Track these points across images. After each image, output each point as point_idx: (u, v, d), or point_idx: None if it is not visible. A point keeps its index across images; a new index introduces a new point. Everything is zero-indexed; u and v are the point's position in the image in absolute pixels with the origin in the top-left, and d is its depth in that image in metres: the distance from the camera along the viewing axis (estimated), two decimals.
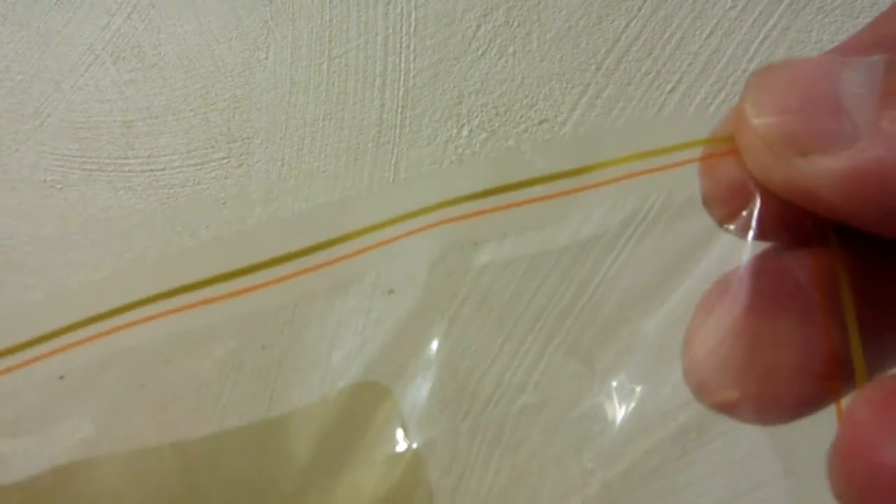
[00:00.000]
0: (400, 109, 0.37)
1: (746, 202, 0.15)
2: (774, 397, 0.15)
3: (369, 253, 0.15)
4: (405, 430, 0.21)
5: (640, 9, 0.36)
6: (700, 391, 0.16)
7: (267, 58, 0.37)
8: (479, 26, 0.36)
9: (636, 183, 0.15)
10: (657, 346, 0.17)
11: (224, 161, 0.37)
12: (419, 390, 0.23)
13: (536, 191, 0.15)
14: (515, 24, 0.36)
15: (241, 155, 0.37)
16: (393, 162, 0.36)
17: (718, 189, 0.15)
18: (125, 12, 0.38)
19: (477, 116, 0.36)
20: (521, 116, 0.36)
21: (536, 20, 0.36)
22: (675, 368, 0.16)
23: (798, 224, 0.15)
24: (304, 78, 0.37)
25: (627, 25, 0.36)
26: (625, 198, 0.15)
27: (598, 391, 0.19)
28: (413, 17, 0.37)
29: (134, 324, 0.15)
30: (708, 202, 0.16)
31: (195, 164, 0.37)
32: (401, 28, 0.37)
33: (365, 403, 0.20)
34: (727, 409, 0.16)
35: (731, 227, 0.15)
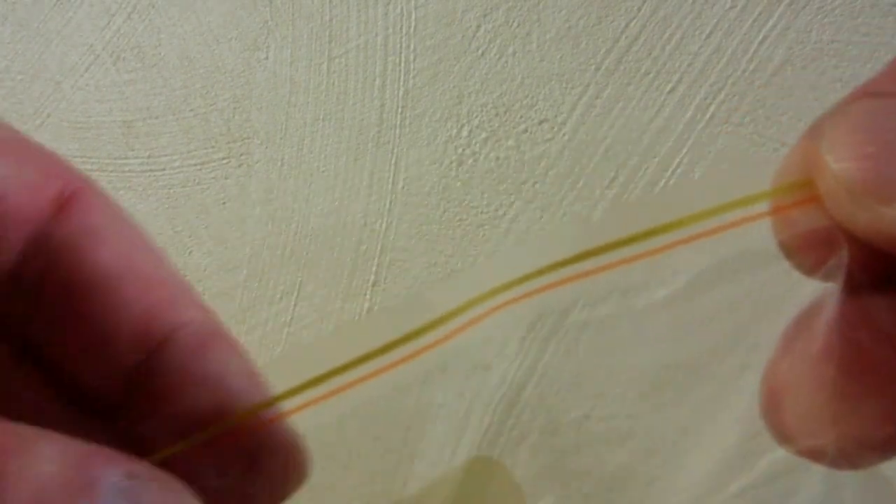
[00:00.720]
0: (400, 109, 0.37)
1: (831, 250, 0.14)
2: (863, 444, 0.15)
3: (461, 335, 0.15)
4: (521, 502, 0.21)
5: (639, 9, 0.36)
6: (782, 437, 0.15)
7: (267, 58, 0.37)
8: (479, 26, 0.36)
9: (710, 242, 0.14)
10: (750, 396, 0.17)
11: (224, 161, 0.37)
12: (528, 459, 0.23)
13: (620, 254, 0.14)
14: (515, 24, 0.36)
15: (241, 155, 0.37)
16: (393, 162, 0.36)
17: (800, 239, 0.15)
18: (125, 12, 0.38)
19: (477, 116, 0.36)
20: (521, 116, 0.36)
21: (536, 20, 0.36)
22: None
23: (886, 268, 0.14)
24: (304, 78, 0.37)
25: (627, 25, 0.36)
26: (701, 255, 0.15)
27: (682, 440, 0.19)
28: (413, 17, 0.37)
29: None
30: (790, 253, 0.15)
31: (195, 164, 0.37)
32: (401, 28, 0.37)
33: (480, 479, 0.19)
34: (814, 456, 0.15)
35: (818, 275, 0.15)
